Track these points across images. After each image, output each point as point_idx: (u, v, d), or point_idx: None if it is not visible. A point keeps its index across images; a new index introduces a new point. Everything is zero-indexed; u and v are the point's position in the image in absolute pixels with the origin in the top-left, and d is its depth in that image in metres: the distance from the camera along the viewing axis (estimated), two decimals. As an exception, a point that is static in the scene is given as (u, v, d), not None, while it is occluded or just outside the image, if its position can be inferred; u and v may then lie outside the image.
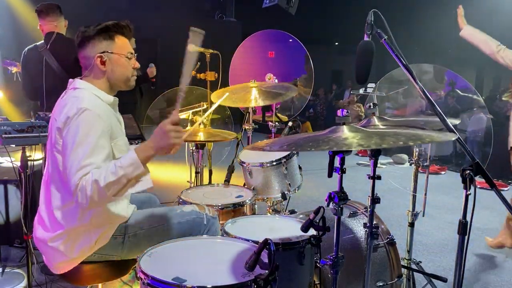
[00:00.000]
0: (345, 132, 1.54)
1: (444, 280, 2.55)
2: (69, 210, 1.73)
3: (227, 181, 2.71)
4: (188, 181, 3.61)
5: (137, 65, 1.87)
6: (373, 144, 1.44)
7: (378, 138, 1.45)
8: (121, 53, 1.80)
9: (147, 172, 1.62)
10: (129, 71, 1.84)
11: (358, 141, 1.45)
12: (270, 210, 2.70)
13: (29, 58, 3.36)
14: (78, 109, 1.65)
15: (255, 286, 1.33)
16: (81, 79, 1.83)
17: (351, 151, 1.61)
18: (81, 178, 1.57)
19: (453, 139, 1.48)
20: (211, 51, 3.41)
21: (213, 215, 1.99)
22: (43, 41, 3.30)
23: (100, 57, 1.77)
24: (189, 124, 3.38)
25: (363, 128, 1.60)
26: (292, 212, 2.84)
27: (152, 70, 4.25)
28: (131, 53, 1.85)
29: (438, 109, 1.57)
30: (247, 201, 2.40)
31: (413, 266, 2.69)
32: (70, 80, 1.85)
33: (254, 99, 2.96)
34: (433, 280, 2.66)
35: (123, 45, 1.82)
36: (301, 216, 2.24)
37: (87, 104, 1.68)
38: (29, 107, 3.54)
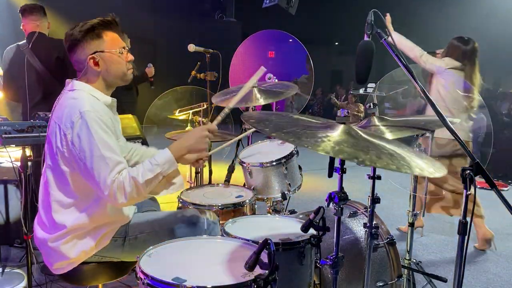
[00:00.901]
0: (339, 132, 1.49)
1: (444, 280, 2.55)
2: (69, 211, 1.73)
3: (227, 181, 2.71)
4: (188, 181, 3.61)
5: (131, 57, 1.82)
6: (360, 156, 1.32)
7: (363, 154, 1.35)
8: (112, 50, 1.76)
9: (178, 173, 1.71)
10: (124, 66, 1.80)
11: (344, 148, 1.37)
12: (270, 210, 2.70)
13: (10, 58, 3.36)
14: (81, 112, 1.64)
15: (255, 286, 1.32)
16: (77, 79, 1.81)
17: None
18: (115, 176, 1.61)
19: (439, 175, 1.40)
20: (211, 51, 3.41)
21: (214, 220, 1.99)
22: (25, 40, 3.30)
23: (92, 58, 1.74)
24: (189, 124, 3.39)
25: (359, 133, 1.55)
26: (292, 212, 2.84)
27: (151, 70, 4.28)
28: (123, 48, 1.80)
29: (438, 109, 1.57)
30: (247, 201, 2.40)
31: (413, 266, 2.69)
32: (68, 80, 1.83)
33: (254, 98, 2.95)
34: (433, 280, 2.66)
35: (113, 41, 1.77)
36: (301, 216, 2.24)
37: (89, 106, 1.67)
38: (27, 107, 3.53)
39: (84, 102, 1.68)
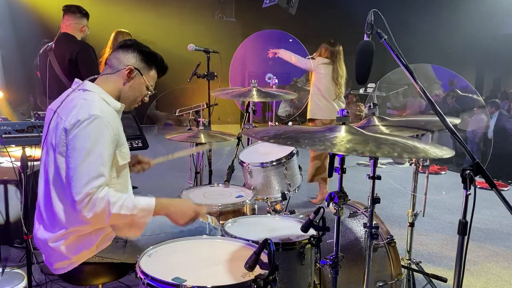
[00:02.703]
0: (342, 133, 1.51)
1: (444, 280, 2.56)
2: (69, 212, 1.72)
3: (227, 181, 2.71)
4: (188, 181, 3.61)
5: (146, 99, 1.94)
6: (367, 151, 1.39)
7: (374, 146, 1.41)
8: (145, 81, 1.86)
9: (143, 226, 1.79)
10: (139, 98, 1.90)
11: (354, 145, 1.41)
12: (270, 210, 2.70)
13: (40, 58, 3.38)
14: (90, 115, 1.63)
15: (255, 286, 1.33)
16: (93, 80, 1.82)
17: (351, 151, 1.61)
18: (93, 190, 1.56)
19: (448, 156, 1.47)
20: (211, 51, 3.41)
21: (216, 225, 1.99)
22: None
23: (131, 70, 1.80)
24: (189, 123, 3.38)
25: (361, 131, 1.57)
26: (292, 212, 2.84)
27: None
28: (151, 87, 1.92)
29: (438, 109, 1.57)
30: (247, 201, 2.40)
31: (413, 266, 2.69)
32: (77, 80, 1.84)
33: (253, 96, 2.95)
34: (433, 280, 2.66)
35: (152, 78, 1.90)
36: (301, 216, 2.24)
37: (99, 111, 1.66)
38: (29, 107, 3.53)
39: (95, 105, 1.68)
